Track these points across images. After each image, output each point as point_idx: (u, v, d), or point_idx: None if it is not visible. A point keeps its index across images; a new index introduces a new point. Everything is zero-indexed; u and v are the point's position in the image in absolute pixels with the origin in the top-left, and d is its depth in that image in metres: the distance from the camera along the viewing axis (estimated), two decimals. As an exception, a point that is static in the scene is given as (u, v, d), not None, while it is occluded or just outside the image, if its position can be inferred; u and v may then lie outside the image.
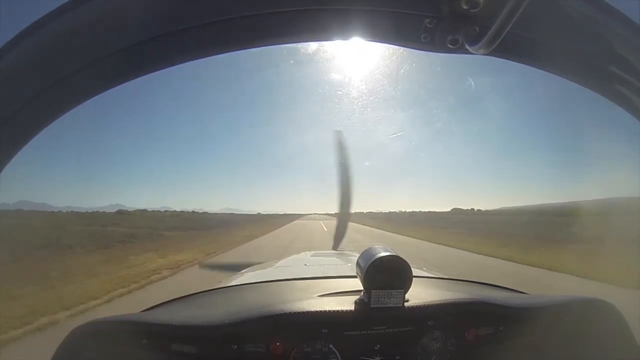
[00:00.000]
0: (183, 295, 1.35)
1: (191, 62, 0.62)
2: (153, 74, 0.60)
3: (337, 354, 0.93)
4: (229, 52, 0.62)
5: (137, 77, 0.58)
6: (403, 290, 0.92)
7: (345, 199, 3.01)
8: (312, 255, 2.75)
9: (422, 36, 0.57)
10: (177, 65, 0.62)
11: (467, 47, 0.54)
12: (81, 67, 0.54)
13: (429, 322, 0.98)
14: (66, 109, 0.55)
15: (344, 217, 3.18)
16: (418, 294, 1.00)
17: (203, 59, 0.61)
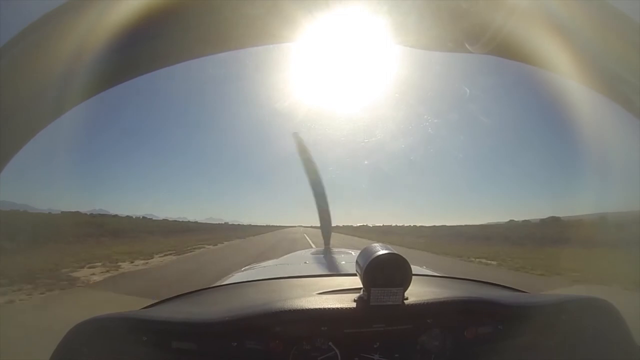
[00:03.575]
0: (183, 292, 1.36)
1: (182, 67, 0.62)
2: (145, 80, 0.60)
3: (337, 351, 0.93)
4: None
5: (132, 78, 0.59)
6: (402, 288, 0.92)
7: (324, 207, 2.99)
8: (312, 253, 2.75)
9: (423, 36, 0.57)
10: (168, 66, 0.62)
11: (467, 46, 0.54)
12: (80, 67, 0.54)
13: (428, 320, 0.98)
14: (66, 109, 0.56)
15: (327, 228, 3.16)
16: (417, 292, 1.01)
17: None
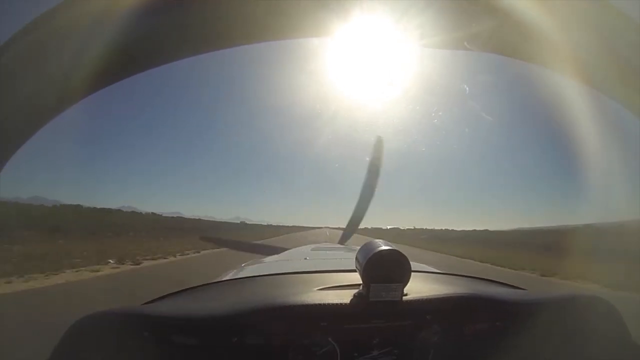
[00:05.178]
0: (184, 288, 1.37)
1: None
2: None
3: (336, 346, 0.94)
4: (238, 45, 0.62)
5: (136, 74, 0.59)
6: (402, 284, 0.93)
7: (361, 210, 3.11)
8: (312, 249, 2.77)
9: (423, 34, 0.57)
10: (182, 59, 0.62)
11: (466, 44, 0.54)
12: (82, 64, 0.54)
13: (427, 316, 0.99)
14: (68, 106, 0.56)
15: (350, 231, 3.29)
16: (417, 288, 1.02)
17: (212, 58, 0.62)
